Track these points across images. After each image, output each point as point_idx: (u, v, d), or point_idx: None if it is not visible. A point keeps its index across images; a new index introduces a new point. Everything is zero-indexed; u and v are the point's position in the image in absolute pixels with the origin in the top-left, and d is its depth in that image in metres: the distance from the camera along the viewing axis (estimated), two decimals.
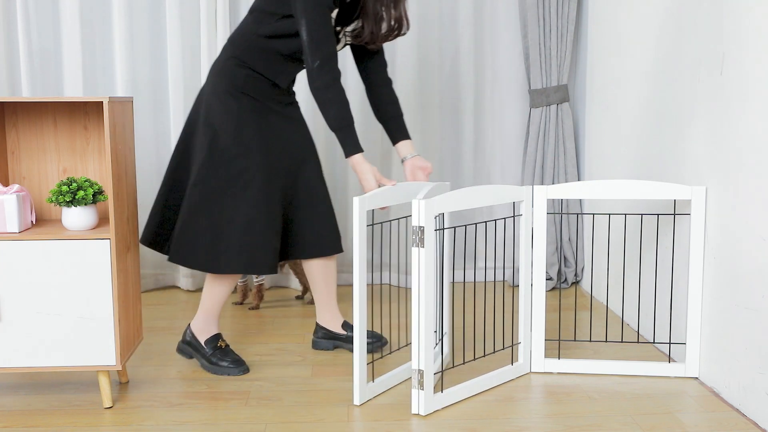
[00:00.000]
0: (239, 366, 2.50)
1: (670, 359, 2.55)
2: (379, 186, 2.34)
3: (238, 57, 2.46)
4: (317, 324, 2.75)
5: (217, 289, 2.53)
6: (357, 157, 2.34)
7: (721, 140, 2.31)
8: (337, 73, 2.33)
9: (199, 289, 3.59)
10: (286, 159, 2.52)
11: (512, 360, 2.52)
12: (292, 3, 2.33)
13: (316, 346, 2.75)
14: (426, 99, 3.59)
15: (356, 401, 2.25)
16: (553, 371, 2.52)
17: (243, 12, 3.46)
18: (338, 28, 2.47)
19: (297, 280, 3.63)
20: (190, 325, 2.59)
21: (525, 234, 2.47)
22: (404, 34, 2.52)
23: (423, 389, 2.17)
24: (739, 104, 2.20)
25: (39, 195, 2.42)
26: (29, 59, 3.37)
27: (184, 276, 3.58)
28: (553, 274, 3.59)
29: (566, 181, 3.55)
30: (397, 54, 3.52)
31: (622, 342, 2.67)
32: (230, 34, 2.59)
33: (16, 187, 2.21)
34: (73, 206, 2.19)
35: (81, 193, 2.19)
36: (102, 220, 2.39)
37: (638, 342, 2.65)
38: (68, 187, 2.19)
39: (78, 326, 2.19)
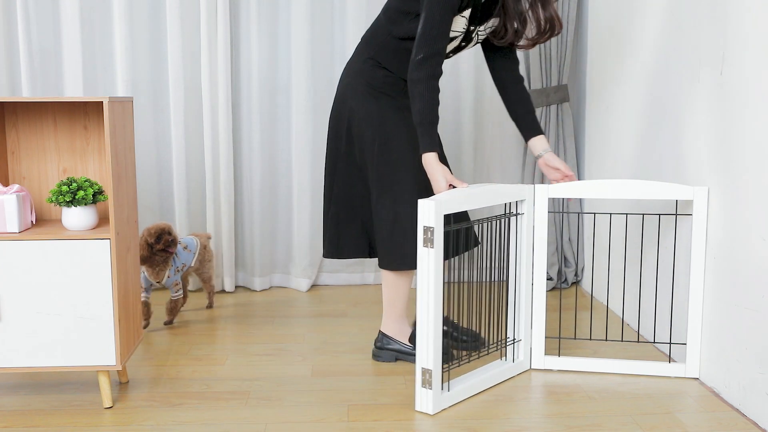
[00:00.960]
0: (447, 352, 2.45)
1: (670, 359, 2.55)
2: (450, 188, 2.30)
3: (374, 58, 2.49)
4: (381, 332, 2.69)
5: (403, 288, 2.56)
6: (430, 156, 2.30)
7: (721, 140, 2.31)
8: (437, 72, 2.30)
9: (198, 289, 3.59)
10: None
11: (513, 357, 2.52)
12: None
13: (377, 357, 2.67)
14: None
15: (430, 411, 2.19)
16: (553, 368, 2.52)
17: (243, 12, 3.46)
18: (471, 28, 2.43)
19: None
20: (383, 331, 2.62)
21: (527, 233, 2.47)
22: (558, 34, 2.46)
23: (431, 388, 2.17)
24: (739, 104, 2.20)
25: (39, 195, 2.42)
26: (29, 59, 3.37)
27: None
28: (553, 274, 3.59)
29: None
30: None
31: (622, 341, 2.67)
32: (364, 33, 2.58)
33: (16, 187, 2.21)
34: (73, 206, 2.19)
35: (81, 193, 2.19)
36: (102, 220, 2.39)
37: (638, 342, 2.65)
38: (68, 187, 2.19)
39: (78, 326, 2.19)
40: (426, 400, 2.19)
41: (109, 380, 2.26)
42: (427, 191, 2.46)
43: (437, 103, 2.31)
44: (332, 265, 3.71)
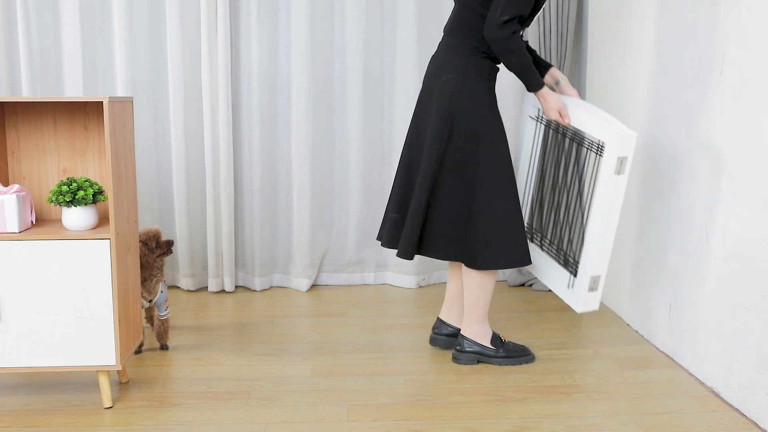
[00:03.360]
0: (528, 352, 2.62)
1: (670, 359, 2.55)
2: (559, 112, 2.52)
3: (477, 48, 2.49)
4: (440, 319, 2.76)
5: (489, 288, 2.58)
6: (544, 89, 2.50)
7: (720, 140, 2.31)
8: (519, 28, 2.42)
9: (200, 289, 3.60)
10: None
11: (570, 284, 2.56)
12: None
13: (435, 342, 2.76)
14: None
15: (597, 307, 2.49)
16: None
17: (243, 12, 3.46)
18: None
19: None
20: (464, 334, 2.62)
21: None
22: None
23: (597, 290, 2.45)
24: (739, 104, 2.20)
25: (39, 195, 2.42)
26: (29, 59, 3.37)
27: (184, 276, 3.58)
28: None
29: None
30: (397, 53, 3.52)
31: (622, 341, 2.67)
32: (446, 25, 2.57)
33: (16, 187, 2.21)
34: (73, 206, 2.19)
35: (81, 193, 2.19)
36: (102, 220, 2.38)
37: (638, 342, 2.65)
38: (68, 187, 2.19)
39: (78, 326, 2.19)
40: (592, 301, 2.46)
41: (109, 380, 2.26)
42: (515, 187, 2.51)
43: (526, 50, 2.45)
44: (332, 265, 3.71)
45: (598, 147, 2.43)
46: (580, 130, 2.53)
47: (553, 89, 2.66)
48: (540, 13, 3.43)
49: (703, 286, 2.43)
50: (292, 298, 3.48)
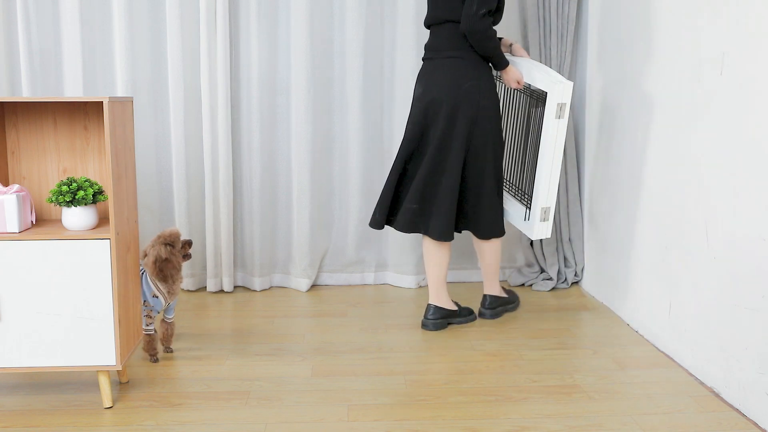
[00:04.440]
0: (514, 299, 3.25)
1: (670, 359, 2.55)
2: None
3: (483, 58, 2.89)
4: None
5: (499, 252, 3.09)
6: (510, 66, 2.93)
7: (720, 140, 2.31)
8: (491, 21, 2.82)
9: (200, 289, 3.60)
10: None
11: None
12: None
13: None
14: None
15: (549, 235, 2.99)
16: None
17: (243, 12, 3.46)
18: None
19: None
20: (490, 294, 3.15)
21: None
22: None
23: (548, 220, 2.90)
24: (739, 104, 2.20)
25: (39, 195, 2.42)
26: (29, 59, 3.37)
27: (184, 276, 3.58)
28: (553, 274, 3.59)
29: (566, 181, 3.55)
30: (397, 53, 3.52)
31: (622, 341, 2.67)
32: (438, 44, 2.95)
33: (16, 187, 2.21)
34: (73, 206, 2.19)
35: (81, 193, 2.18)
36: (102, 220, 2.38)
37: (638, 342, 2.65)
38: (68, 187, 2.19)
39: (78, 326, 2.19)
40: (544, 230, 2.90)
41: (109, 380, 2.26)
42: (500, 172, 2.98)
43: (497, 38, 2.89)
44: (332, 265, 3.71)
45: (543, 97, 2.88)
46: (530, 86, 2.98)
47: (509, 52, 3.13)
48: (540, 12, 3.44)
49: (703, 286, 2.43)
50: (292, 298, 3.48)
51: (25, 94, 3.38)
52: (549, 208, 2.91)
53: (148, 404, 2.28)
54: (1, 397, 2.32)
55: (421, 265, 3.68)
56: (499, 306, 3.18)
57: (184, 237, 2.65)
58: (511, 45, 3.12)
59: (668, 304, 2.66)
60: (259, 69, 3.48)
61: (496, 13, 2.92)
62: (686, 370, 2.52)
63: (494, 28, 3.10)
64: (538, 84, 2.88)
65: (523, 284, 3.66)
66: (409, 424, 2.14)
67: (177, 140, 3.45)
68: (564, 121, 2.82)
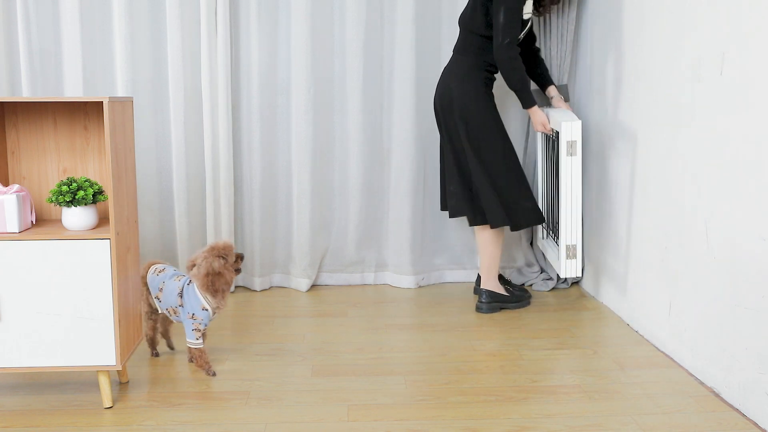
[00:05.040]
0: (525, 296, 3.33)
1: (670, 359, 2.55)
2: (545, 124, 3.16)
3: (476, 63, 3.13)
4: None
5: (499, 248, 3.25)
6: (534, 107, 3.14)
7: (721, 140, 2.31)
8: (518, 50, 3.04)
9: None
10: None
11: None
12: None
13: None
14: (426, 99, 3.59)
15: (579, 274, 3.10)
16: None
17: (243, 12, 3.46)
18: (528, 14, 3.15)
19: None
20: (486, 288, 3.25)
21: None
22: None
23: (576, 258, 3.01)
24: (739, 104, 2.20)
25: (39, 195, 2.42)
26: (29, 59, 3.37)
27: None
28: (553, 275, 3.59)
29: None
30: (396, 54, 3.52)
31: (622, 341, 2.67)
32: (455, 46, 3.25)
33: (16, 187, 2.21)
34: (73, 206, 2.19)
35: (81, 193, 2.19)
36: (102, 220, 2.38)
37: (638, 342, 2.65)
38: (68, 187, 2.19)
39: (78, 326, 2.19)
40: (572, 268, 3.03)
41: (109, 380, 2.26)
42: (512, 165, 3.15)
43: (524, 69, 3.10)
44: (332, 265, 3.71)
45: (557, 137, 3.01)
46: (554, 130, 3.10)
47: (549, 103, 3.33)
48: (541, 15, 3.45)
49: (703, 286, 2.43)
50: (292, 298, 3.48)
51: (25, 94, 3.38)
52: (575, 245, 2.99)
53: (148, 404, 2.28)
54: (1, 397, 2.32)
55: (420, 265, 3.69)
56: (495, 302, 3.25)
57: (218, 244, 2.52)
58: (552, 98, 3.31)
59: (668, 304, 2.66)
60: (259, 69, 3.48)
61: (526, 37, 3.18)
62: (686, 370, 2.52)
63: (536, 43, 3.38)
64: (553, 124, 3.02)
65: (523, 284, 3.66)
66: (409, 424, 2.14)
67: (177, 140, 3.45)
68: (577, 159, 2.91)
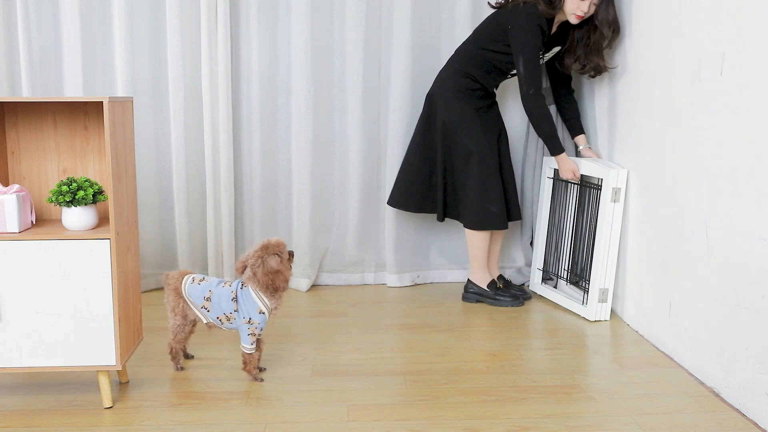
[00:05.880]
0: (516, 300, 3.30)
1: (670, 359, 2.55)
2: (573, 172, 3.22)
3: (461, 69, 3.21)
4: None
5: (482, 243, 3.28)
6: (562, 155, 3.20)
7: (721, 140, 2.31)
8: (544, 98, 3.10)
9: None
10: (494, 142, 3.27)
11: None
12: (512, 40, 3.07)
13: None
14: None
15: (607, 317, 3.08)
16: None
17: (243, 12, 3.46)
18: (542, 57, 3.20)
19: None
20: (470, 279, 3.36)
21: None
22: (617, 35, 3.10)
23: (607, 302, 3.06)
24: (739, 104, 2.20)
25: (39, 195, 2.42)
26: (29, 59, 3.37)
27: None
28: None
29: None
30: (393, 55, 3.52)
31: (622, 341, 2.67)
32: (456, 50, 3.33)
33: (16, 187, 2.21)
34: (73, 206, 2.19)
35: (81, 193, 2.19)
36: (102, 220, 2.38)
37: (638, 342, 2.65)
38: (68, 187, 2.19)
39: (78, 326, 2.19)
40: (602, 311, 3.06)
41: (109, 380, 2.26)
42: (488, 167, 3.19)
43: (552, 117, 3.15)
44: (332, 265, 3.71)
45: (598, 185, 3.10)
46: (586, 176, 3.19)
47: (578, 153, 3.38)
48: None
49: (703, 286, 2.43)
50: (292, 298, 3.48)
51: (25, 94, 3.38)
52: (608, 289, 3.06)
53: (148, 404, 2.28)
54: (1, 397, 2.32)
55: (420, 265, 3.69)
56: (475, 294, 3.37)
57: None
58: (581, 147, 3.34)
59: (668, 304, 2.66)
60: (259, 69, 3.48)
61: (564, 56, 3.22)
62: (686, 370, 2.52)
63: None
64: (593, 172, 3.10)
65: (523, 284, 3.66)
66: (409, 424, 2.14)
67: (177, 140, 3.45)
68: (620, 205, 3.01)
